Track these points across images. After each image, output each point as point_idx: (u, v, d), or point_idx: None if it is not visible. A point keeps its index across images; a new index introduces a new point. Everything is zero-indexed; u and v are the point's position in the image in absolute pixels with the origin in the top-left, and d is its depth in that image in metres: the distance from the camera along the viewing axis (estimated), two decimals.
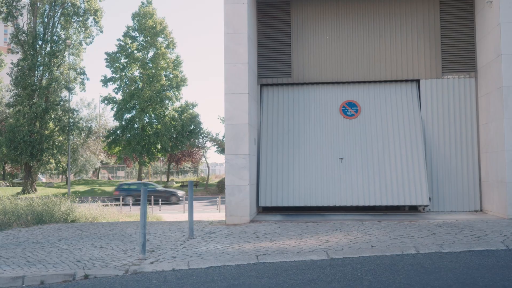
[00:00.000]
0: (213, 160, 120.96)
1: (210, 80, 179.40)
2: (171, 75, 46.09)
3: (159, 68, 44.98)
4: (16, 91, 42.35)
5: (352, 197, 12.72)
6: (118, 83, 45.55)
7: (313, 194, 12.87)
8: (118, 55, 45.33)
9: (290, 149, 13.35)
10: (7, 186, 50.77)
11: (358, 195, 12.71)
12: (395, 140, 13.06)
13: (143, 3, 46.49)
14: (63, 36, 43.61)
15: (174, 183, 55.05)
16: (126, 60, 45.35)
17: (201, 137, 50.66)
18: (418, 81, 13.37)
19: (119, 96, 45.49)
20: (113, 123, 52.36)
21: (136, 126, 44.83)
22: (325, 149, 13.31)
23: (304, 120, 13.63)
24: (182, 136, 45.65)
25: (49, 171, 55.22)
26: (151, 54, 45.72)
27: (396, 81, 13.73)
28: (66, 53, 42.99)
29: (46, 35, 42.70)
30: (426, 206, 12.67)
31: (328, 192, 12.87)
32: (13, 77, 42.03)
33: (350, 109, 13.70)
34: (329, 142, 13.34)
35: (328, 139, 13.38)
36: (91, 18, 44.69)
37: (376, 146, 13.09)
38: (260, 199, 12.93)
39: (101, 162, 67.67)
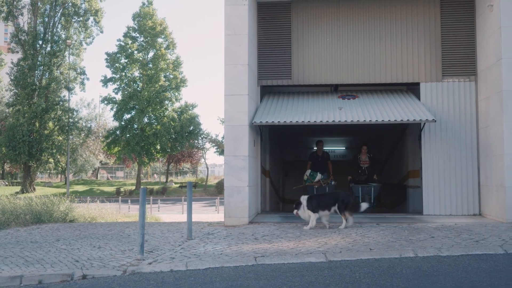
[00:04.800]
0: (212, 161, 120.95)
1: (210, 81, 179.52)
2: (171, 76, 46.09)
3: (158, 69, 44.98)
4: (16, 91, 42.38)
5: (352, 118, 12.24)
6: (118, 83, 45.53)
7: (312, 116, 12.41)
8: (118, 55, 45.32)
9: (288, 106, 13.29)
10: (6, 185, 50.77)
11: (359, 119, 12.18)
12: (397, 108, 12.91)
13: (143, 4, 46.51)
14: (63, 36, 43.68)
15: (173, 183, 55.05)
16: (126, 61, 45.33)
17: (200, 138, 50.69)
18: (418, 84, 13.36)
19: (118, 97, 45.48)
20: (112, 123, 52.40)
21: (135, 126, 44.81)
22: (323, 104, 13.26)
23: (303, 101, 13.67)
24: (182, 137, 45.64)
25: (48, 171, 55.23)
26: (151, 54, 45.72)
27: (396, 84, 13.76)
28: (66, 53, 43.02)
29: (47, 35, 42.74)
30: (434, 121, 12.06)
31: (328, 115, 12.40)
32: (13, 77, 42.04)
33: (347, 95, 13.81)
34: (328, 102, 13.38)
35: (327, 102, 13.39)
36: (91, 18, 44.77)
37: (377, 108, 12.91)
38: (256, 117, 12.46)
39: (100, 162, 67.72)
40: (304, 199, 10.51)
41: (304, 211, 10.48)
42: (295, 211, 10.65)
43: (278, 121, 12.25)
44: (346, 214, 10.36)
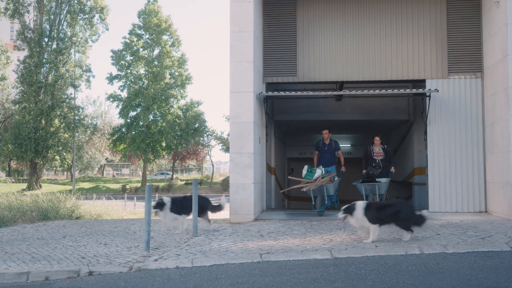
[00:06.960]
0: (217, 159, 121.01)
1: (216, 78, 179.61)
2: (176, 73, 46.12)
3: (164, 66, 45.01)
4: (22, 88, 42.51)
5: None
6: (124, 80, 45.63)
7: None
8: (123, 52, 45.39)
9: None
10: (13, 182, 51.02)
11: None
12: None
13: (149, 1, 46.53)
14: (69, 33, 43.74)
15: (179, 181, 55.15)
16: (131, 58, 45.40)
17: (205, 135, 50.74)
18: (423, 81, 13.30)
19: (124, 94, 45.59)
20: (118, 121, 52.52)
21: (141, 123, 44.89)
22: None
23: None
24: (187, 134, 45.69)
25: (54, 168, 55.48)
26: (156, 52, 45.76)
27: (402, 81, 13.72)
28: (72, 50, 43.09)
29: (52, 32, 42.83)
30: (436, 91, 12.39)
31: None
32: (19, 74, 42.17)
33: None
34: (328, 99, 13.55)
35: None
36: (97, 16, 44.82)
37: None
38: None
39: (106, 159, 67.87)
40: (168, 200, 9.90)
41: (165, 214, 9.83)
42: (154, 210, 9.61)
43: (284, 90, 12.60)
44: (207, 217, 10.57)
